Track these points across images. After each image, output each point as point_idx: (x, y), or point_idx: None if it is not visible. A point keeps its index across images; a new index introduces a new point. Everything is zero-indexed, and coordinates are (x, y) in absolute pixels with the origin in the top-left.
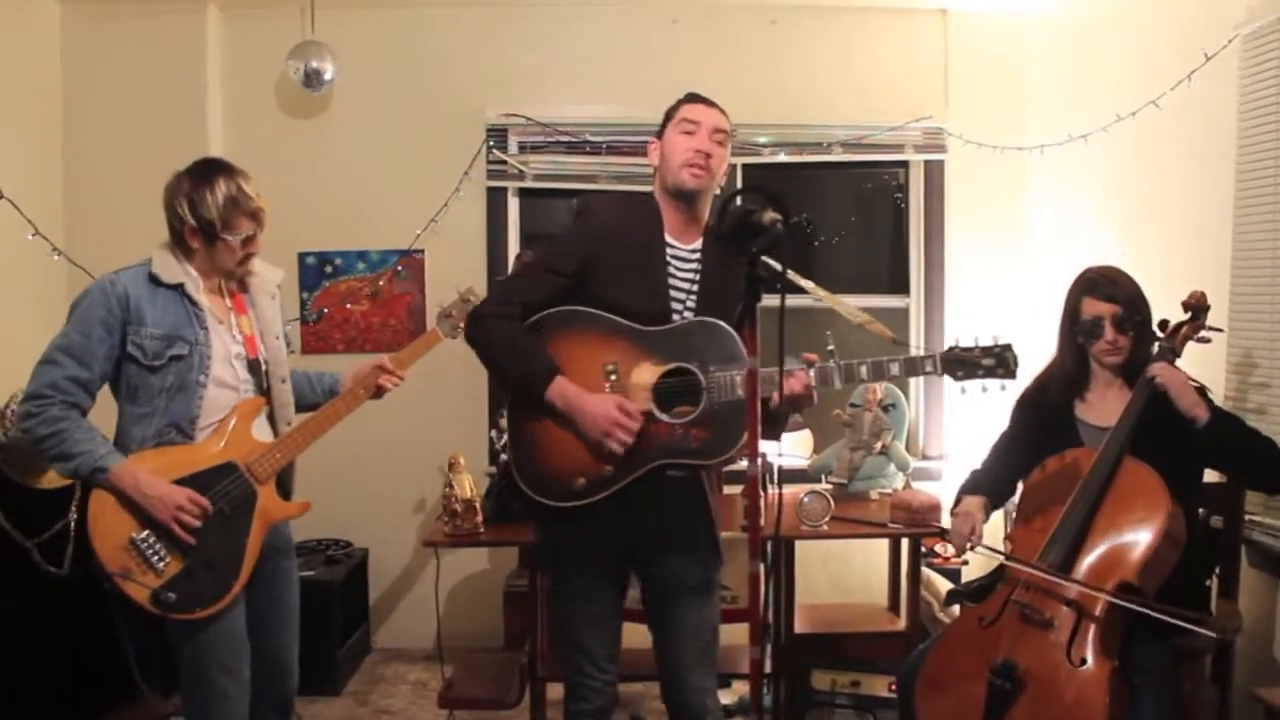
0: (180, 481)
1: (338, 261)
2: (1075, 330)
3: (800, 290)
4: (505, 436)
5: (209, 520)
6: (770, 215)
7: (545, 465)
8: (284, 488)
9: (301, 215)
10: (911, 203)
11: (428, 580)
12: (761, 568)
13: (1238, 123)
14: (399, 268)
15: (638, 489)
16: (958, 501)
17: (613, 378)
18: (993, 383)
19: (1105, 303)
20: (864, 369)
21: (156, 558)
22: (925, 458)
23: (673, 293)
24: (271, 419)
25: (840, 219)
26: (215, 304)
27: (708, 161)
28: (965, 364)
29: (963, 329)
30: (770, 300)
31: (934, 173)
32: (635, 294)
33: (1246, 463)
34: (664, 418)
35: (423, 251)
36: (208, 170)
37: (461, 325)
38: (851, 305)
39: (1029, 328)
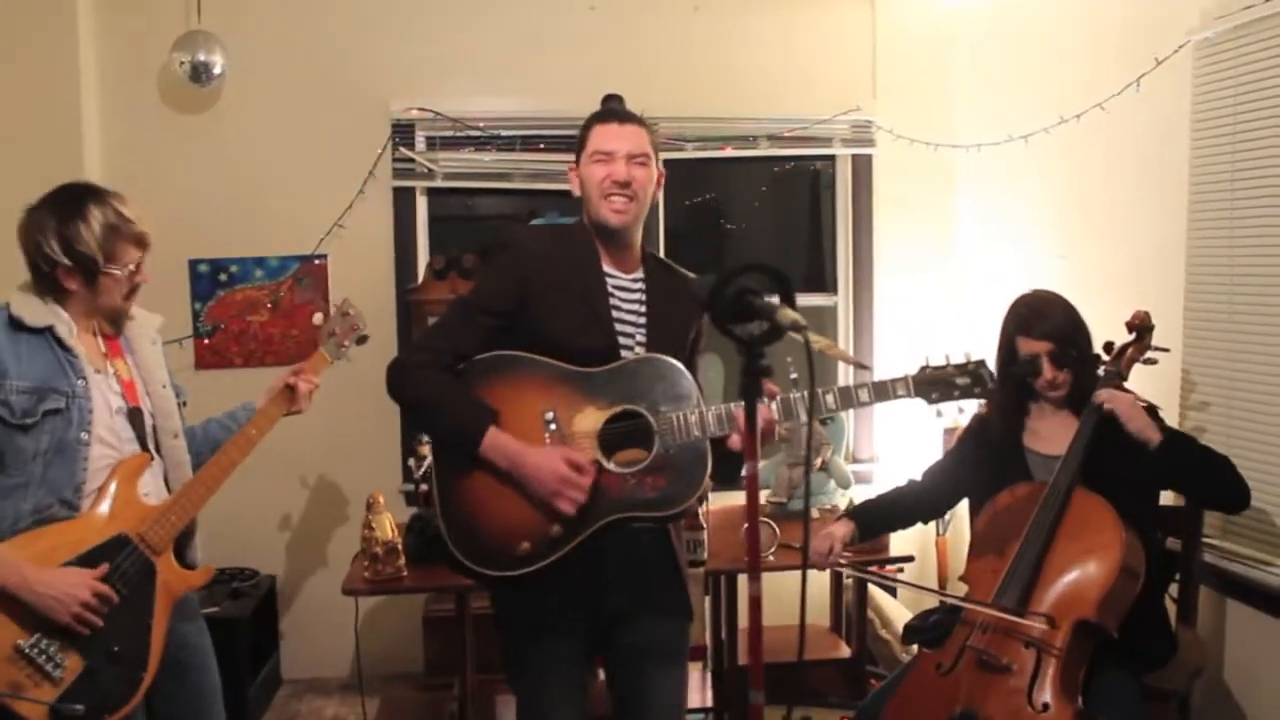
0: (66, 566)
1: (233, 269)
2: (1012, 368)
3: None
4: (424, 465)
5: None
6: (790, 316)
7: (483, 530)
8: (180, 554)
9: (192, 220)
10: (839, 198)
11: (341, 605)
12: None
13: (1191, 133)
14: (300, 275)
15: (600, 546)
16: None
17: (552, 427)
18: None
19: (1040, 341)
20: (830, 398)
21: (52, 665)
22: (856, 460)
23: (620, 326)
24: (165, 480)
25: (760, 213)
26: (89, 348)
27: (629, 190)
28: (940, 385)
29: (892, 329)
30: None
31: (862, 167)
32: (578, 330)
33: (1201, 481)
34: (613, 468)
35: (325, 257)
36: (75, 199)
37: (347, 344)
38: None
39: (959, 330)
